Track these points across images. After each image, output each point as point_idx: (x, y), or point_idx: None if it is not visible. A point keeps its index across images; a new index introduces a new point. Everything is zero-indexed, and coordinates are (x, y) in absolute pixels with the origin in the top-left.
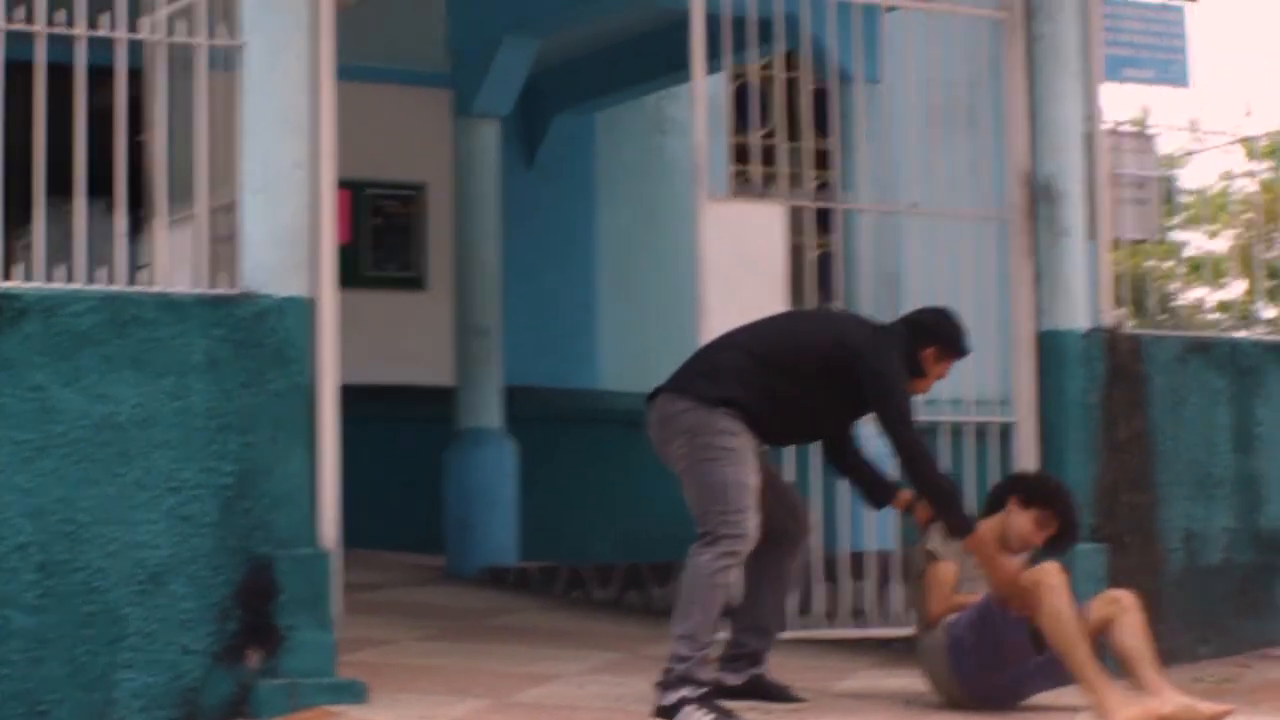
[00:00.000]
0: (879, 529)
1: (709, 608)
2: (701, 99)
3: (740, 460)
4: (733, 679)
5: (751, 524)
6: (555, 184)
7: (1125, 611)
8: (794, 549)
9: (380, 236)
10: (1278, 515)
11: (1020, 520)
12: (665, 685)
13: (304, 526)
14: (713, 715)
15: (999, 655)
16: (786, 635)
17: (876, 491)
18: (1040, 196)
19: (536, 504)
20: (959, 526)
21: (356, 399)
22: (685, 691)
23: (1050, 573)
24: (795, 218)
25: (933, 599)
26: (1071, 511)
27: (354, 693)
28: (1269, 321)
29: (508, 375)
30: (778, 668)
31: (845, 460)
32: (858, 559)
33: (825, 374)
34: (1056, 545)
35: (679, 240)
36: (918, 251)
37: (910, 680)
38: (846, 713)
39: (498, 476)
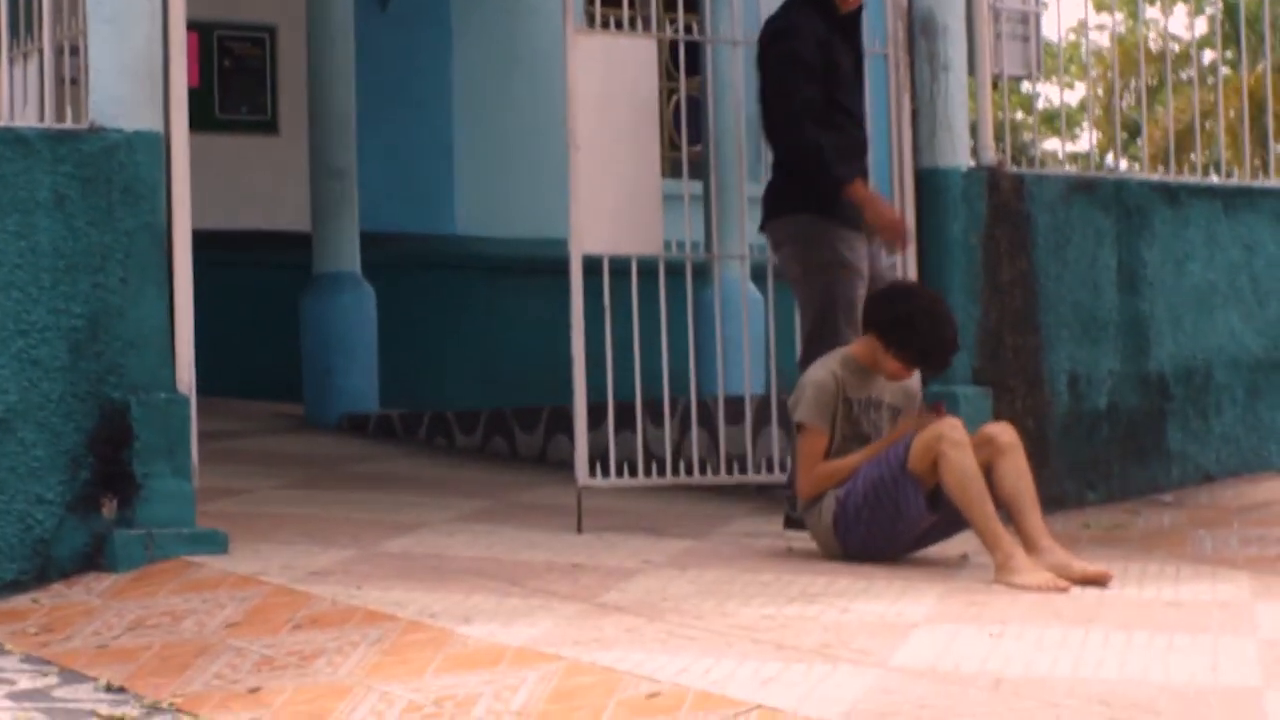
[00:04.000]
0: (755, 373)
1: None
2: None
3: (845, 274)
4: None
5: None
6: (410, 24)
7: (1003, 453)
8: None
9: (231, 79)
10: (1165, 358)
11: (885, 360)
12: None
13: (159, 371)
14: None
15: (894, 526)
16: (664, 482)
17: None
18: (919, 30)
19: (396, 350)
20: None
21: (211, 243)
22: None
23: (954, 428)
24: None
25: (801, 473)
26: (929, 352)
27: (214, 543)
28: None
29: (364, 220)
30: (655, 514)
31: None
32: (733, 404)
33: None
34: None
35: (538, 82)
36: None
37: None
38: (727, 561)
39: (356, 322)
